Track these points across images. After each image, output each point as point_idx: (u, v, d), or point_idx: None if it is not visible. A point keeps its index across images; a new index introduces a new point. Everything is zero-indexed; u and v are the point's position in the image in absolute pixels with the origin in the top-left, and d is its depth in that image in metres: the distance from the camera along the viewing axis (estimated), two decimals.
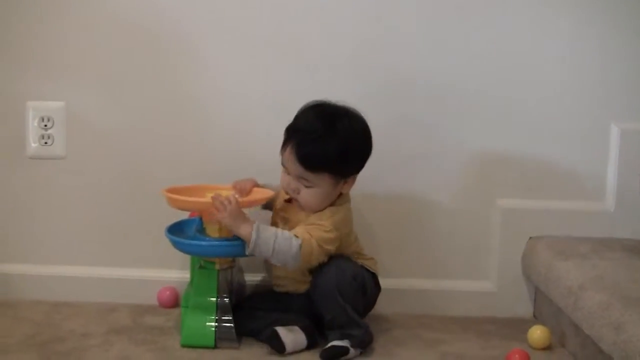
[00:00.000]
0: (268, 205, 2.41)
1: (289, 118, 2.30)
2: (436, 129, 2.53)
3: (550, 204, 2.57)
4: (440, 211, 2.57)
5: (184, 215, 2.38)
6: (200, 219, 2.30)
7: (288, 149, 2.24)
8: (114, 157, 2.55)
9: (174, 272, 2.54)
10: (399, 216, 2.56)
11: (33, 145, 2.54)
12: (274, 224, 2.34)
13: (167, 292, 2.53)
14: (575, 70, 2.53)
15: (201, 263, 2.28)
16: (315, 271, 2.25)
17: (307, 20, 2.51)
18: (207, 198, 2.24)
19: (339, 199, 2.31)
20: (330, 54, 2.52)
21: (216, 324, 2.24)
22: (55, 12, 2.49)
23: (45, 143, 2.53)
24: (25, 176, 2.56)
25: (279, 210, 2.36)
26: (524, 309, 2.59)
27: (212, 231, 2.26)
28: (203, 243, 2.25)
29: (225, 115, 2.54)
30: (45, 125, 2.52)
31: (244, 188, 2.34)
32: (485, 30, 2.51)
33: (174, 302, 2.52)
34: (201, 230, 2.29)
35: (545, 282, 2.40)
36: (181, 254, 2.32)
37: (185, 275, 2.41)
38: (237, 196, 2.22)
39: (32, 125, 2.53)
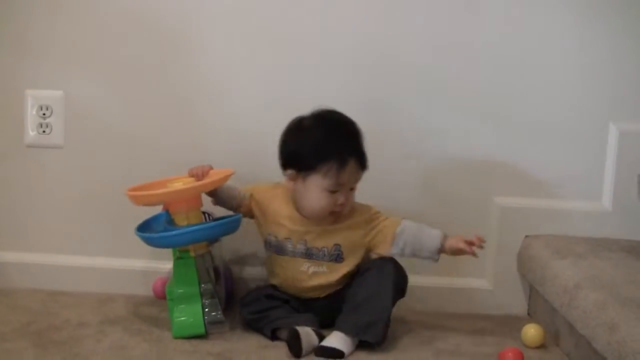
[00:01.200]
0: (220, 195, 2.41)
1: (285, 114, 2.31)
2: (434, 126, 2.54)
3: (547, 203, 2.58)
4: (437, 208, 2.57)
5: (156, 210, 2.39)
6: (167, 211, 2.30)
7: (352, 165, 2.25)
8: (112, 147, 2.55)
9: (170, 263, 2.53)
10: (396, 213, 2.56)
11: (31, 133, 2.54)
12: (274, 238, 2.36)
13: (162, 283, 2.53)
14: (574, 70, 2.54)
15: (177, 254, 2.29)
16: (367, 272, 2.29)
17: (306, 16, 2.52)
18: (167, 187, 2.26)
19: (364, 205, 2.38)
20: (329, 52, 2.53)
21: (203, 310, 2.25)
22: (55, 2, 2.49)
23: (44, 132, 2.54)
24: (22, 165, 2.56)
25: (298, 231, 2.34)
26: (519, 307, 2.60)
27: (180, 220, 2.27)
28: (171, 233, 2.25)
29: (224, 107, 2.55)
30: (44, 114, 2.53)
31: (201, 172, 2.34)
32: (486, 31, 2.52)
33: None
34: (170, 221, 2.29)
35: (540, 280, 2.40)
36: None
37: None
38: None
39: (31, 114, 2.53)
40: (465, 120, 2.54)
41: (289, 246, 2.33)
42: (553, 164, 2.57)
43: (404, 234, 2.30)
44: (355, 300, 2.26)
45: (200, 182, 2.29)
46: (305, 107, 2.37)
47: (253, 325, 2.29)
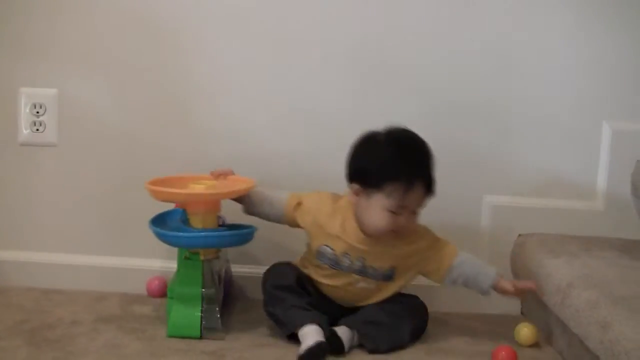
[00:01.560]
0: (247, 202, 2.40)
1: (283, 115, 2.33)
2: (427, 126, 2.52)
3: (540, 202, 2.58)
4: (430, 207, 2.56)
5: (171, 205, 2.38)
6: (184, 210, 2.30)
7: (419, 188, 2.22)
8: (105, 146, 2.55)
9: (163, 261, 2.54)
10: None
11: (25, 132, 2.54)
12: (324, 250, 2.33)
13: (156, 282, 2.54)
14: (567, 70, 2.54)
15: (186, 254, 2.28)
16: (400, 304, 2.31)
17: (305, 18, 2.52)
18: (190, 189, 2.26)
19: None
20: (328, 54, 2.53)
21: (202, 314, 2.25)
22: (50, 0, 2.49)
23: (37, 130, 2.54)
24: (16, 163, 2.56)
25: (358, 249, 2.30)
26: (512, 306, 2.59)
27: (196, 222, 2.27)
28: (186, 234, 2.25)
29: (220, 106, 2.55)
30: (37, 112, 2.53)
31: (222, 174, 2.36)
32: (480, 30, 2.53)
33: (163, 292, 2.52)
34: (185, 220, 2.29)
35: (533, 279, 2.39)
36: (169, 247, 2.31)
37: (174, 265, 2.40)
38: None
39: (24, 112, 2.53)
40: (457, 118, 2.55)
41: (346, 262, 2.30)
42: (546, 162, 2.57)
43: (460, 268, 2.30)
44: (376, 318, 2.26)
45: (223, 191, 2.29)
46: (304, 108, 2.38)
47: (269, 303, 2.28)
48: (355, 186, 2.25)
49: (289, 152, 2.53)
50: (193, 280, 2.26)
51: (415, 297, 2.37)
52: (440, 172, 2.49)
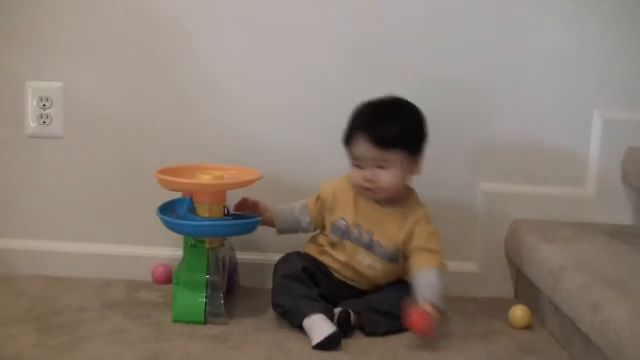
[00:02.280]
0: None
1: (284, 98, 2.34)
2: (426, 115, 2.55)
3: (533, 189, 2.59)
4: (426, 195, 2.58)
5: (177, 194, 2.39)
6: (191, 198, 2.32)
7: (360, 140, 2.26)
8: (110, 137, 2.56)
9: (168, 249, 2.55)
10: None
11: (32, 124, 2.55)
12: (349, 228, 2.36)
13: (161, 269, 2.55)
14: (559, 60, 2.55)
15: (192, 242, 2.30)
16: (405, 289, 2.31)
17: (306, 14, 2.53)
18: (198, 179, 2.27)
19: (413, 196, 2.39)
20: (329, 51, 2.54)
21: (206, 300, 2.26)
22: None
23: (44, 122, 2.54)
24: (23, 155, 2.57)
25: (364, 217, 2.35)
26: (506, 289, 2.61)
27: (202, 211, 2.28)
28: (193, 223, 2.26)
29: (219, 98, 2.55)
30: (44, 105, 2.53)
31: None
32: (475, 21, 2.53)
33: (167, 279, 2.54)
34: (192, 209, 2.30)
35: (527, 263, 2.42)
36: (173, 234, 2.33)
37: (178, 252, 2.42)
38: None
39: (31, 105, 2.54)
40: (454, 108, 2.56)
41: (355, 232, 2.32)
42: (538, 150, 2.58)
43: (423, 276, 2.27)
44: (377, 306, 2.27)
45: (229, 181, 2.31)
46: (304, 105, 2.39)
47: (279, 293, 2.28)
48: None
49: (289, 144, 2.54)
50: (198, 267, 2.27)
51: None
52: (439, 161, 2.54)
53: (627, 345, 1.78)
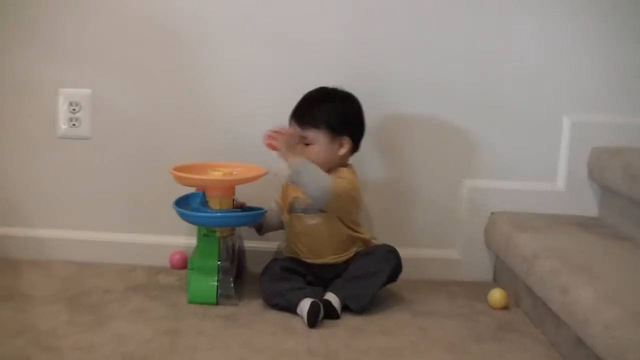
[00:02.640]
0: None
1: (286, 105, 2.35)
2: (411, 121, 2.54)
3: (510, 184, 2.59)
4: (415, 191, 2.58)
5: (192, 190, 2.39)
6: (204, 193, 2.32)
7: (291, 120, 2.34)
8: (132, 138, 2.56)
9: (184, 238, 2.55)
10: (382, 195, 2.58)
11: (63, 127, 2.55)
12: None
13: (178, 255, 2.55)
14: (533, 68, 2.54)
15: (204, 231, 2.30)
16: (373, 254, 2.32)
17: (305, 24, 2.52)
18: (209, 175, 2.28)
19: (346, 169, 2.35)
20: (323, 54, 2.53)
21: (217, 284, 2.27)
22: (84, 10, 2.50)
23: (74, 125, 2.55)
24: (56, 154, 2.57)
25: (291, 191, 2.38)
26: (486, 274, 2.61)
27: (214, 204, 2.28)
28: (205, 214, 2.27)
29: (230, 102, 2.55)
30: (74, 110, 2.53)
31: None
32: (458, 29, 2.52)
33: (184, 264, 2.53)
34: (204, 202, 2.30)
35: (504, 251, 2.42)
36: (189, 225, 2.33)
37: (193, 241, 2.42)
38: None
39: (62, 110, 2.54)
40: (441, 112, 2.55)
41: (296, 204, 2.35)
42: (515, 150, 2.57)
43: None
44: (354, 273, 2.28)
45: (237, 177, 2.30)
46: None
47: (270, 297, 2.27)
48: None
49: None
50: (210, 254, 2.28)
51: (384, 245, 2.37)
52: (428, 160, 2.53)
53: (592, 322, 1.78)
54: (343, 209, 2.31)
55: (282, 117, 2.36)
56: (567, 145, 2.57)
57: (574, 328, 1.89)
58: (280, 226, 2.45)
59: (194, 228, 2.34)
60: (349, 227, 2.34)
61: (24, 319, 2.09)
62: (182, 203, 2.33)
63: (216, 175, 2.29)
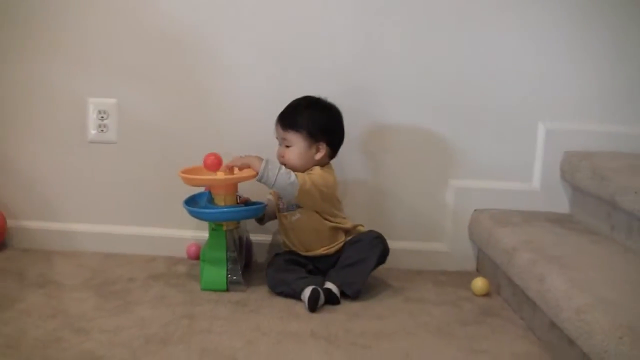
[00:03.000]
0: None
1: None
2: (402, 126, 2.54)
3: (491, 184, 2.58)
4: (406, 190, 2.57)
5: (201, 189, 2.40)
6: (210, 192, 2.32)
7: (276, 123, 2.34)
8: (154, 142, 2.56)
9: (200, 232, 2.54)
10: (376, 195, 2.57)
11: (92, 132, 2.55)
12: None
13: (194, 247, 2.55)
14: (512, 80, 2.54)
15: (213, 226, 2.30)
16: (361, 242, 2.31)
17: (306, 32, 2.51)
18: (214, 176, 2.27)
19: (319, 167, 2.32)
20: (323, 60, 2.52)
21: (227, 272, 2.27)
22: (111, 27, 2.50)
23: (102, 131, 2.54)
24: (86, 156, 2.57)
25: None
26: (470, 264, 2.60)
27: (219, 201, 2.29)
28: (209, 211, 2.27)
29: (239, 108, 2.54)
30: (102, 117, 2.53)
31: (240, 165, 2.31)
32: (442, 40, 2.51)
33: (199, 255, 2.52)
34: (211, 200, 2.31)
35: (486, 244, 2.42)
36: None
37: (207, 234, 2.42)
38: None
39: (92, 117, 2.54)
40: (429, 118, 2.54)
41: (280, 204, 2.35)
42: (495, 153, 2.57)
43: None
44: (345, 262, 2.28)
45: (237, 176, 2.28)
46: None
47: (277, 286, 2.27)
48: None
49: None
50: (219, 246, 2.27)
51: (370, 231, 2.36)
52: (417, 162, 2.53)
53: (564, 308, 1.79)
54: (317, 203, 2.29)
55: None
56: (542, 149, 2.56)
57: (548, 313, 1.89)
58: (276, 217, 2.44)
59: (205, 223, 2.34)
60: (329, 220, 2.33)
61: (56, 304, 2.10)
62: (191, 202, 2.34)
63: (218, 175, 2.28)
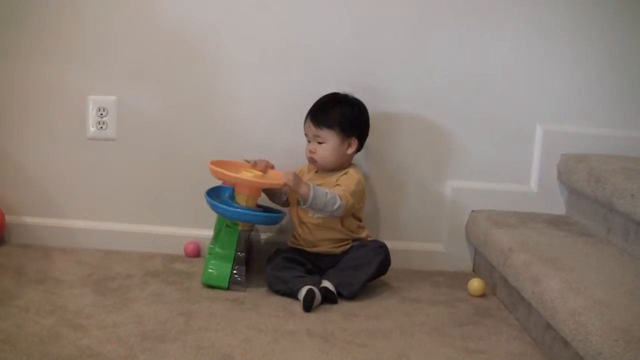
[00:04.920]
0: (274, 193, 2.42)
1: (290, 108, 2.43)
2: (401, 127, 2.54)
3: (488, 185, 2.58)
4: (404, 190, 2.58)
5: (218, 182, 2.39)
6: (233, 189, 2.32)
7: (306, 120, 2.36)
8: (153, 139, 2.55)
9: (197, 230, 2.54)
10: (375, 194, 2.57)
11: (92, 129, 2.54)
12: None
13: (191, 245, 2.55)
14: (512, 83, 2.54)
15: (227, 223, 2.29)
16: (365, 247, 2.33)
17: (308, 34, 2.51)
18: (242, 175, 2.27)
19: (351, 167, 2.38)
20: (323, 60, 2.52)
21: (232, 271, 2.26)
22: (111, 26, 2.49)
23: (101, 128, 2.54)
24: (85, 153, 2.56)
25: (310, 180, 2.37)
26: (466, 265, 2.61)
27: (241, 200, 2.28)
28: (232, 209, 2.25)
29: (240, 106, 2.53)
30: (102, 114, 2.53)
31: (264, 167, 2.36)
32: (445, 45, 2.52)
33: (197, 253, 2.54)
34: (232, 197, 2.30)
35: (483, 245, 2.42)
36: (202, 217, 2.36)
37: (205, 232, 2.44)
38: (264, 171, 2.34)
39: (92, 114, 2.53)
40: (428, 119, 2.54)
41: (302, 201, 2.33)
42: (493, 155, 2.57)
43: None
44: (346, 264, 2.29)
45: (264, 181, 2.29)
46: (307, 108, 2.38)
47: (273, 284, 2.27)
48: None
49: (293, 144, 2.52)
50: (230, 244, 2.27)
51: (375, 240, 2.39)
52: (416, 163, 2.53)
53: (559, 309, 1.79)
54: (348, 214, 2.33)
55: (285, 120, 2.38)
56: (540, 151, 2.57)
57: (543, 314, 1.90)
58: (280, 201, 2.45)
59: (209, 220, 2.34)
60: (348, 229, 2.36)
61: (55, 300, 2.10)
62: (212, 194, 2.33)
63: (247, 176, 2.28)
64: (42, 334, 1.86)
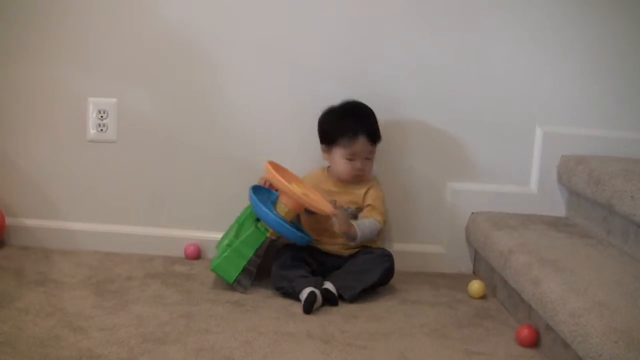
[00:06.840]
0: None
1: (290, 108, 2.46)
2: (403, 131, 2.54)
3: (488, 187, 2.58)
4: (405, 192, 2.57)
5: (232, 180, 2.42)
6: (278, 196, 2.30)
7: (360, 139, 2.33)
8: (153, 141, 2.55)
9: (198, 232, 2.55)
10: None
11: (92, 131, 2.55)
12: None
13: (192, 247, 2.54)
14: (512, 86, 2.54)
15: (258, 225, 2.28)
16: (371, 254, 2.34)
17: (307, 38, 2.51)
18: (293, 187, 2.25)
19: (374, 180, 2.45)
20: (323, 63, 2.52)
21: (242, 270, 2.25)
22: (111, 29, 2.49)
23: (101, 130, 2.54)
24: (86, 155, 2.56)
25: (330, 193, 2.38)
26: (466, 267, 2.61)
27: (281, 210, 2.27)
28: (271, 215, 2.23)
29: (238, 108, 2.53)
30: (102, 116, 2.53)
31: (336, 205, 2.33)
32: (446, 48, 2.52)
33: (197, 255, 2.54)
34: (274, 203, 2.30)
35: (483, 247, 2.42)
36: (202, 219, 2.37)
37: (205, 234, 2.45)
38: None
39: (92, 116, 2.53)
40: (429, 122, 2.54)
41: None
42: (494, 156, 2.57)
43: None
44: (350, 268, 2.30)
45: (313, 203, 2.26)
46: (305, 109, 2.38)
47: (277, 280, 2.28)
48: (323, 146, 2.39)
49: (293, 144, 2.52)
50: (252, 245, 2.26)
51: (382, 249, 2.39)
52: (416, 165, 2.53)
53: (559, 311, 1.79)
54: None
55: (285, 120, 2.39)
56: (539, 153, 2.57)
57: (543, 316, 1.90)
58: None
59: (208, 222, 2.34)
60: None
61: (55, 302, 2.09)
62: (257, 190, 2.33)
63: (297, 190, 2.26)
64: (42, 336, 1.86)
